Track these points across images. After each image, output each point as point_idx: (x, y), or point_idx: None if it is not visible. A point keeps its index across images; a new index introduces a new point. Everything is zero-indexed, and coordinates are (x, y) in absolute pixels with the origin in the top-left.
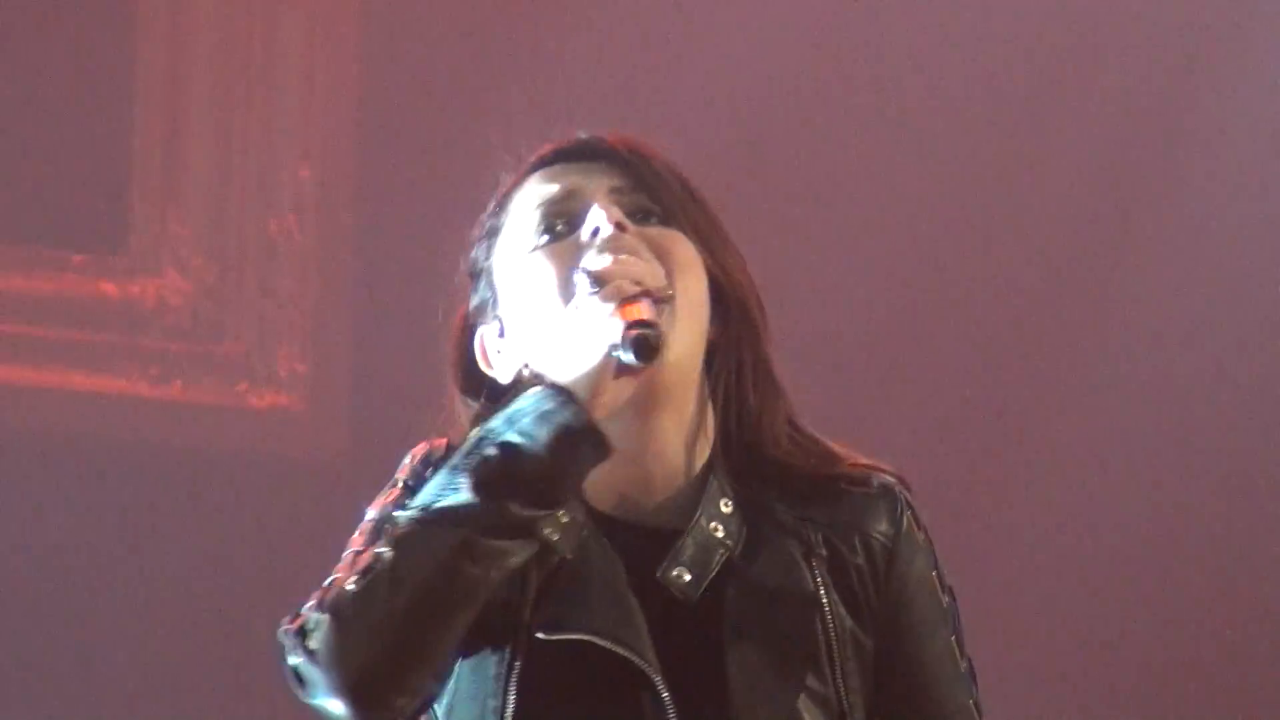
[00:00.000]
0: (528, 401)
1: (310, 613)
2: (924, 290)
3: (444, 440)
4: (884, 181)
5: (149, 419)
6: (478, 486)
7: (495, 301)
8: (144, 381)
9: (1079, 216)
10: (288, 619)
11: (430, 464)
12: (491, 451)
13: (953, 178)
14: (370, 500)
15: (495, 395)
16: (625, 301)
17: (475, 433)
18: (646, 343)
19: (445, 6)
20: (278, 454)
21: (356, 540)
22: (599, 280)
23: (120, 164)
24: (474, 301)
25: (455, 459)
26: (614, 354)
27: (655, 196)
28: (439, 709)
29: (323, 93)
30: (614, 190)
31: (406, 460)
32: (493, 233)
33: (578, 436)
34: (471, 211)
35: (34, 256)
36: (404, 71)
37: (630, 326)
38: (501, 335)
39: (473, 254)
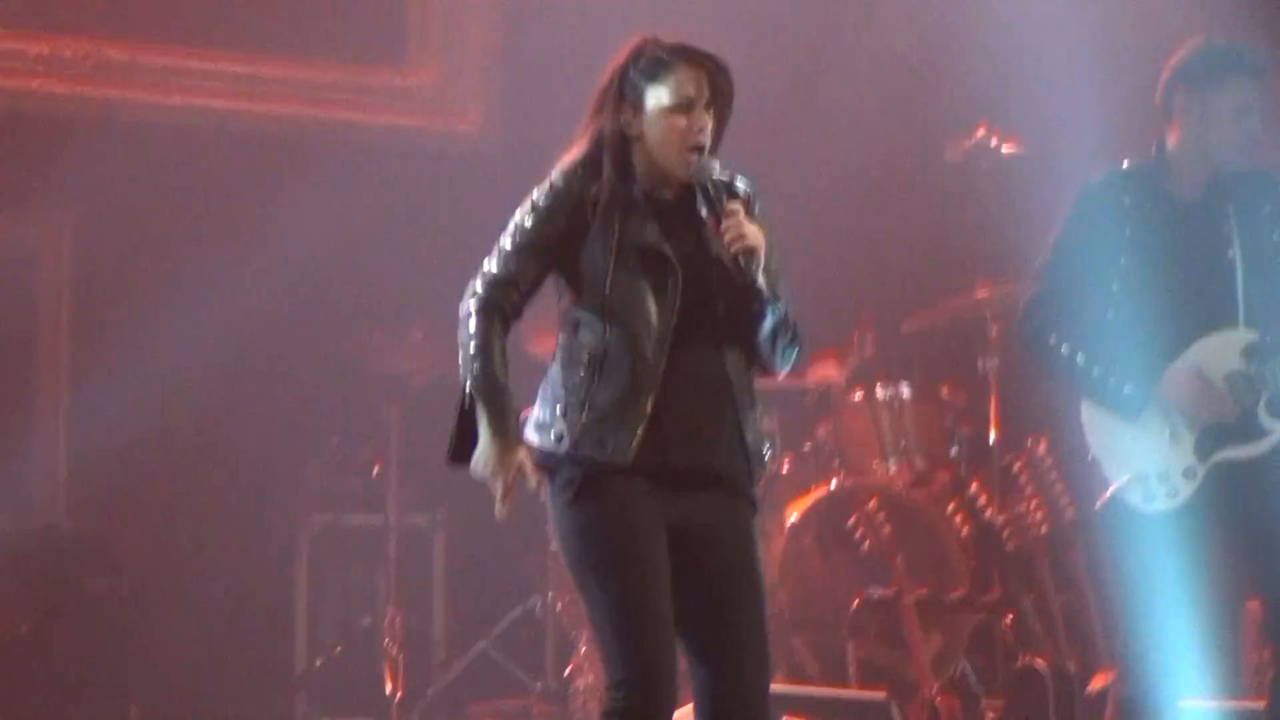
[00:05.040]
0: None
1: (466, 312)
2: None
3: (582, 152)
4: None
5: None
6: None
7: (641, 103)
8: None
9: None
10: (477, 285)
11: (574, 176)
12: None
13: None
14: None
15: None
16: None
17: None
18: (703, 149)
19: None
20: None
21: (513, 222)
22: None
23: None
24: (628, 86)
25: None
26: (687, 154)
27: (720, 104)
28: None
29: None
30: (707, 100)
31: (553, 174)
32: (651, 75)
33: None
34: None
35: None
36: None
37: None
38: (635, 114)
39: (635, 74)
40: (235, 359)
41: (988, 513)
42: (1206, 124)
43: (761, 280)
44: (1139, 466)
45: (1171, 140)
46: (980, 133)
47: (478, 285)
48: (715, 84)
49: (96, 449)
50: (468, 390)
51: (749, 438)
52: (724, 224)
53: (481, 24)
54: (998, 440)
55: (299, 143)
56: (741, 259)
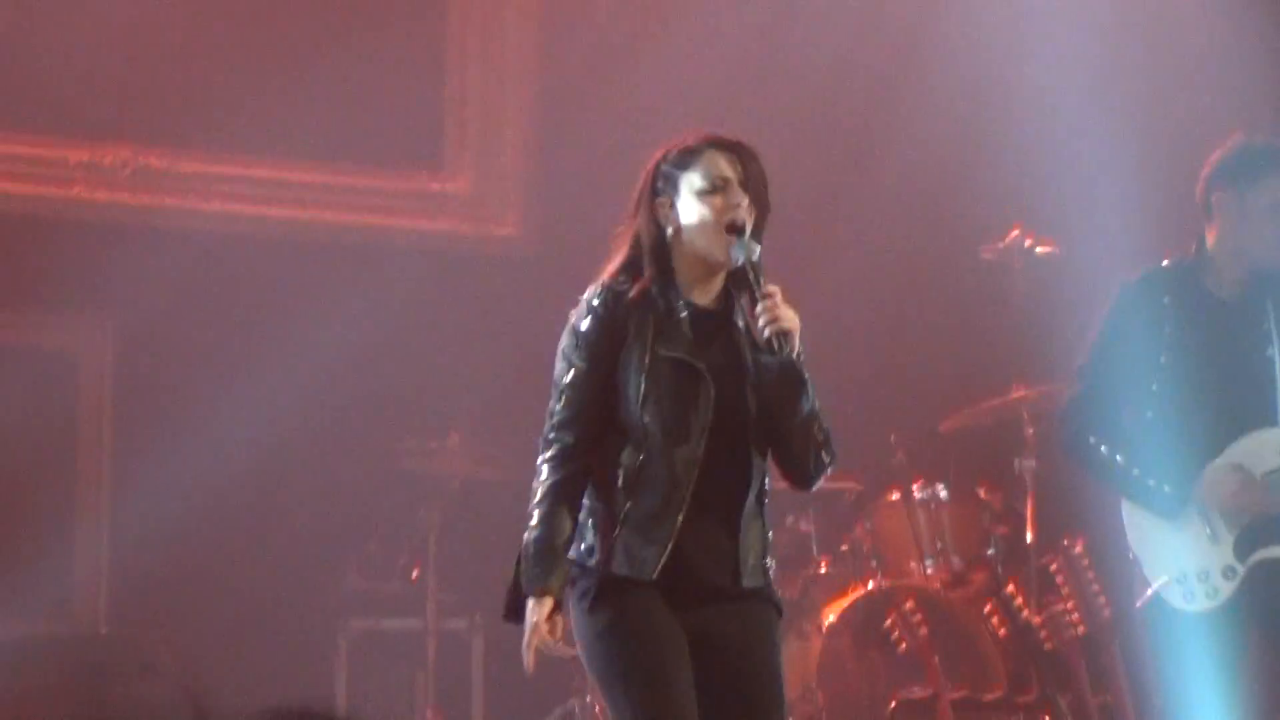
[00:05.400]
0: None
1: (539, 463)
2: None
3: (609, 278)
4: None
5: None
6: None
7: (676, 194)
8: None
9: None
10: (542, 441)
11: (599, 305)
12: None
13: None
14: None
15: (655, 236)
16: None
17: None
18: (741, 229)
19: None
20: None
21: (557, 371)
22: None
23: None
24: (662, 181)
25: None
26: (726, 234)
27: (753, 184)
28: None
29: None
30: (740, 180)
31: (576, 315)
32: (683, 164)
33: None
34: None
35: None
36: None
37: (735, 226)
38: (671, 207)
39: (667, 166)
40: (273, 464)
41: (1024, 613)
42: (1244, 222)
43: (798, 359)
44: (1179, 566)
45: (1210, 238)
46: (1014, 234)
47: (547, 431)
48: (747, 169)
49: (136, 555)
50: (524, 542)
51: (752, 556)
52: (760, 305)
53: (518, 128)
54: (1034, 541)
55: (337, 248)
56: (775, 340)
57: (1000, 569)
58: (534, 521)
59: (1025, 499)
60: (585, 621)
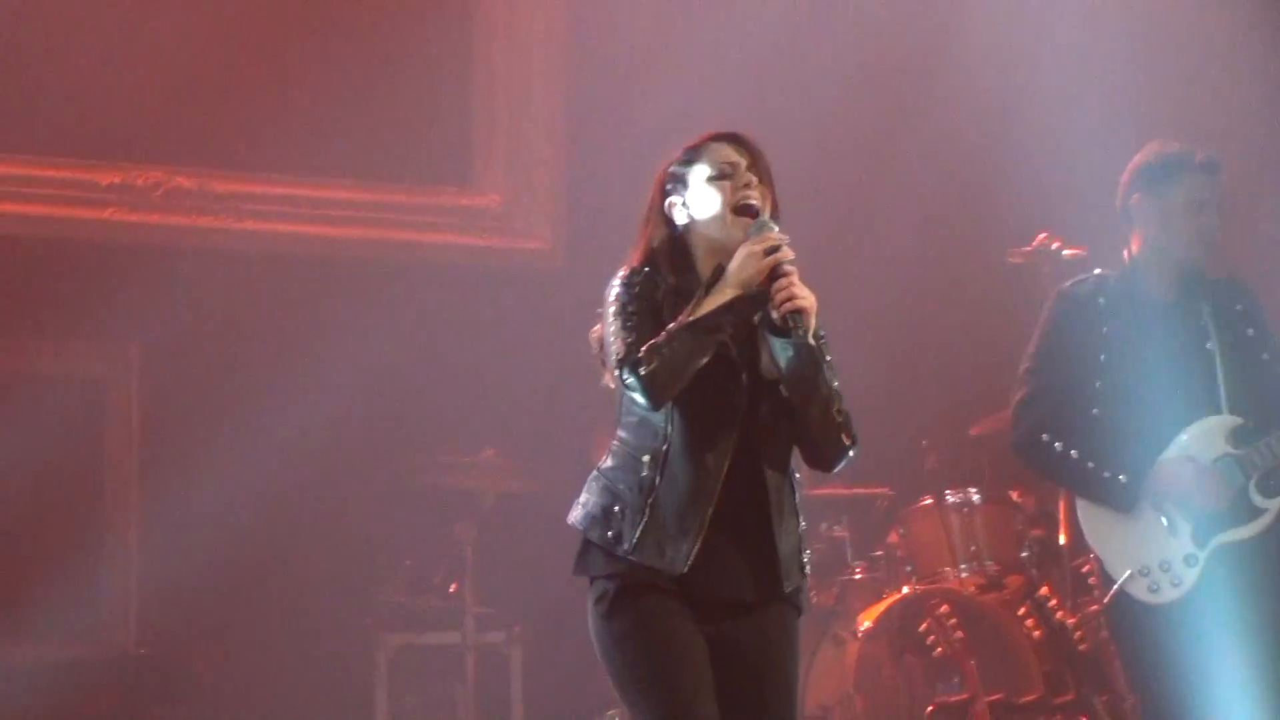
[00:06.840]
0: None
1: (630, 370)
2: None
3: (637, 263)
4: None
5: None
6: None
7: (685, 189)
8: None
9: None
10: (621, 359)
11: (631, 274)
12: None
13: None
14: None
15: (669, 239)
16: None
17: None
18: (754, 211)
19: None
20: None
21: (614, 322)
22: (743, 200)
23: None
24: (670, 183)
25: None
26: (739, 216)
27: (761, 170)
28: None
29: None
30: (748, 165)
31: (616, 281)
32: (688, 161)
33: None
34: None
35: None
36: None
37: (747, 208)
38: (683, 204)
39: (675, 167)
40: (307, 482)
41: (1059, 615)
42: (1165, 222)
43: (815, 339)
44: (1140, 560)
45: (1135, 244)
46: (1042, 238)
47: (628, 358)
48: (753, 154)
49: (168, 576)
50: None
51: (782, 549)
52: (776, 283)
53: (546, 142)
54: (1067, 542)
55: (368, 265)
56: (790, 319)
57: (1035, 572)
58: (679, 329)
59: (1058, 501)
60: (602, 627)
